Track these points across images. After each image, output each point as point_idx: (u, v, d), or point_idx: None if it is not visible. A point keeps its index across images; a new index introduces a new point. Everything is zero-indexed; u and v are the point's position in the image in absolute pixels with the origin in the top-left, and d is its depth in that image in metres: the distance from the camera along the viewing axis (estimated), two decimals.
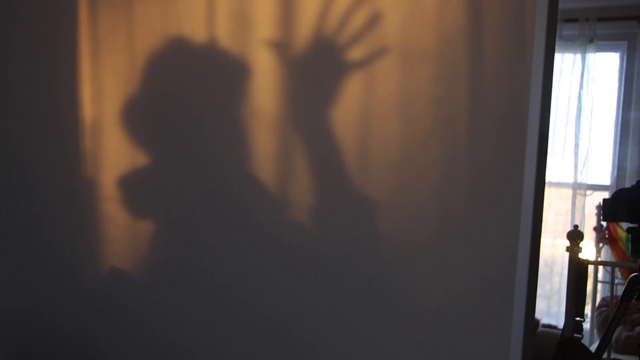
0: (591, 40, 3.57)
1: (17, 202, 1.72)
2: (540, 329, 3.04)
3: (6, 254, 1.75)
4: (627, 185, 2.71)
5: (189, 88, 1.49)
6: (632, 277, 1.84)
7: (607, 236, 3.23)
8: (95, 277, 1.63)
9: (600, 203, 3.26)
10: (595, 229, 3.31)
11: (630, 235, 1.73)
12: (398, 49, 1.26)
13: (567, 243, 2.37)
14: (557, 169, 3.63)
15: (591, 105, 3.58)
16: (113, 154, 1.57)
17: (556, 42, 1.18)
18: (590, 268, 2.92)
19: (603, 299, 3.22)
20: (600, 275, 3.32)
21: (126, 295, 1.59)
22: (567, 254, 2.35)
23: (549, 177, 3.56)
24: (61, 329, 1.69)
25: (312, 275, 1.37)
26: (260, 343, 1.44)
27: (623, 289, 1.85)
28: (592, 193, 3.62)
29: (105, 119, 1.57)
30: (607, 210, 1.72)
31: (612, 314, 1.95)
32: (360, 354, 1.33)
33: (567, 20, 3.60)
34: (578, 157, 3.59)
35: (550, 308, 3.69)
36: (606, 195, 3.50)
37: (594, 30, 3.57)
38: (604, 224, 3.26)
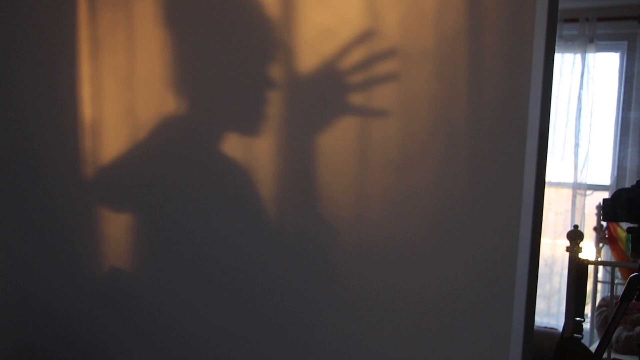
0: (591, 40, 3.57)
1: (18, 200, 1.72)
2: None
3: (6, 252, 1.75)
4: (627, 185, 2.71)
5: (193, 88, 1.49)
6: (632, 277, 1.84)
7: (607, 236, 3.23)
8: (96, 275, 1.63)
9: (600, 203, 3.26)
10: (595, 229, 3.31)
11: (630, 235, 1.73)
12: (398, 49, 1.26)
13: (567, 243, 2.36)
14: (557, 169, 3.63)
15: (591, 105, 3.58)
16: (113, 153, 1.57)
17: (556, 42, 1.18)
18: (590, 268, 2.92)
19: (603, 299, 3.22)
20: (600, 275, 3.31)
21: (128, 288, 1.59)
22: (567, 254, 2.35)
23: (549, 177, 3.56)
24: (64, 323, 1.69)
25: (310, 276, 1.37)
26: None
27: (623, 289, 1.85)
28: (592, 193, 3.62)
29: (105, 118, 1.57)
30: (607, 210, 1.72)
31: (612, 314, 1.95)
32: (358, 353, 1.33)
33: (567, 20, 3.60)
34: (578, 157, 3.59)
35: (550, 308, 3.68)
36: (606, 195, 3.50)
37: (594, 30, 3.57)
38: (604, 224, 3.26)
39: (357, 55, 1.29)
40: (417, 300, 1.27)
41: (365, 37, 1.28)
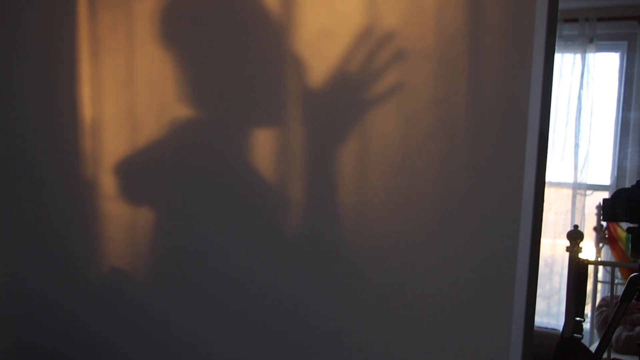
0: (591, 40, 3.57)
1: (17, 201, 1.72)
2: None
3: (5, 253, 1.75)
4: (627, 185, 2.71)
5: (194, 87, 1.49)
6: (632, 277, 1.84)
7: (607, 236, 3.23)
8: (96, 274, 1.63)
9: (600, 203, 3.26)
10: (595, 229, 3.31)
11: (630, 235, 1.73)
12: (398, 49, 1.26)
13: (567, 243, 2.36)
14: (557, 169, 3.63)
15: (591, 105, 3.58)
16: (113, 153, 1.57)
17: (556, 42, 1.18)
18: (590, 268, 2.92)
19: (603, 299, 3.22)
20: (600, 275, 3.31)
21: (128, 289, 1.59)
22: (567, 254, 2.35)
23: (549, 177, 3.55)
24: (64, 324, 1.69)
25: (309, 275, 1.37)
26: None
27: (623, 289, 1.85)
28: (592, 193, 3.61)
29: (105, 118, 1.57)
30: (607, 210, 1.72)
31: (612, 314, 1.95)
32: (358, 352, 1.33)
33: (567, 20, 3.60)
34: (578, 157, 3.59)
35: (550, 308, 3.68)
36: (606, 195, 3.50)
37: (594, 30, 3.57)
38: (604, 224, 3.26)
39: (360, 56, 1.29)
40: (416, 300, 1.27)
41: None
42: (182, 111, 1.49)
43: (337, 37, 1.30)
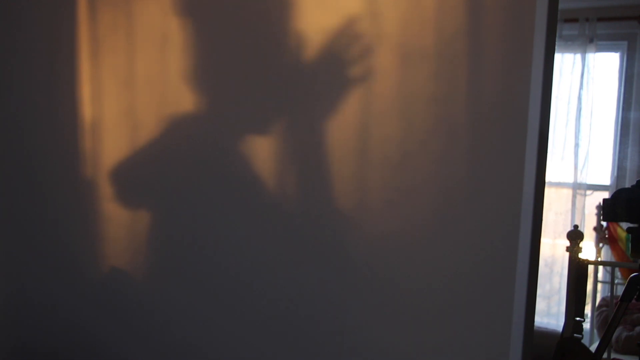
0: (591, 40, 3.57)
1: (18, 201, 1.72)
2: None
3: (5, 253, 1.75)
4: (627, 185, 2.71)
5: (195, 88, 1.49)
6: (632, 277, 1.84)
7: (607, 236, 3.23)
8: (96, 274, 1.63)
9: (600, 203, 3.26)
10: (595, 229, 3.31)
11: (630, 235, 1.73)
12: (397, 48, 1.26)
13: (567, 243, 2.36)
14: (557, 169, 3.63)
15: (591, 105, 3.58)
16: (113, 153, 1.57)
17: (556, 42, 1.18)
18: (590, 268, 2.92)
19: (603, 299, 3.21)
20: (600, 275, 3.31)
21: (128, 289, 1.59)
22: (567, 254, 2.35)
23: (549, 177, 3.55)
24: (64, 324, 1.69)
25: (311, 274, 1.37)
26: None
27: (623, 289, 1.85)
28: (592, 193, 3.61)
29: (105, 119, 1.57)
30: (607, 210, 1.72)
31: (612, 314, 1.95)
32: (358, 351, 1.33)
33: (567, 20, 3.59)
34: (578, 157, 3.59)
35: (550, 308, 3.68)
36: (606, 195, 3.50)
37: (594, 30, 3.57)
38: (604, 224, 3.26)
39: (358, 51, 1.30)
40: (417, 300, 1.27)
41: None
42: (182, 110, 1.49)
43: (336, 37, 1.30)
